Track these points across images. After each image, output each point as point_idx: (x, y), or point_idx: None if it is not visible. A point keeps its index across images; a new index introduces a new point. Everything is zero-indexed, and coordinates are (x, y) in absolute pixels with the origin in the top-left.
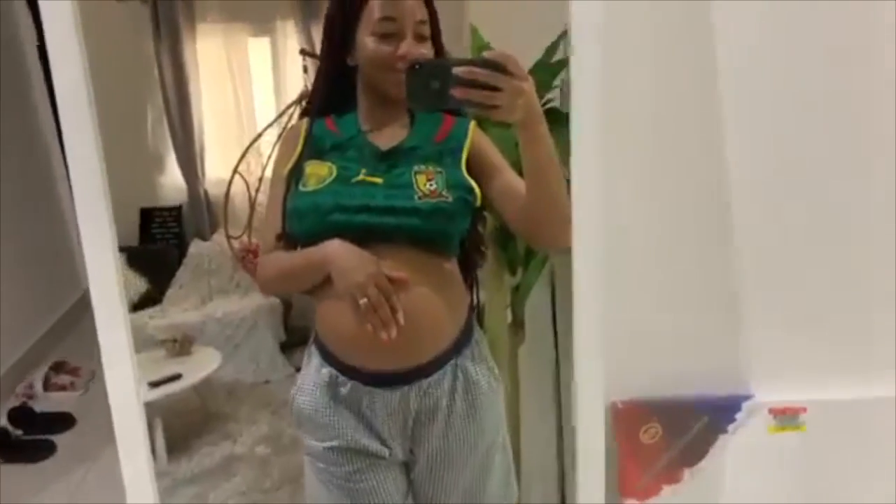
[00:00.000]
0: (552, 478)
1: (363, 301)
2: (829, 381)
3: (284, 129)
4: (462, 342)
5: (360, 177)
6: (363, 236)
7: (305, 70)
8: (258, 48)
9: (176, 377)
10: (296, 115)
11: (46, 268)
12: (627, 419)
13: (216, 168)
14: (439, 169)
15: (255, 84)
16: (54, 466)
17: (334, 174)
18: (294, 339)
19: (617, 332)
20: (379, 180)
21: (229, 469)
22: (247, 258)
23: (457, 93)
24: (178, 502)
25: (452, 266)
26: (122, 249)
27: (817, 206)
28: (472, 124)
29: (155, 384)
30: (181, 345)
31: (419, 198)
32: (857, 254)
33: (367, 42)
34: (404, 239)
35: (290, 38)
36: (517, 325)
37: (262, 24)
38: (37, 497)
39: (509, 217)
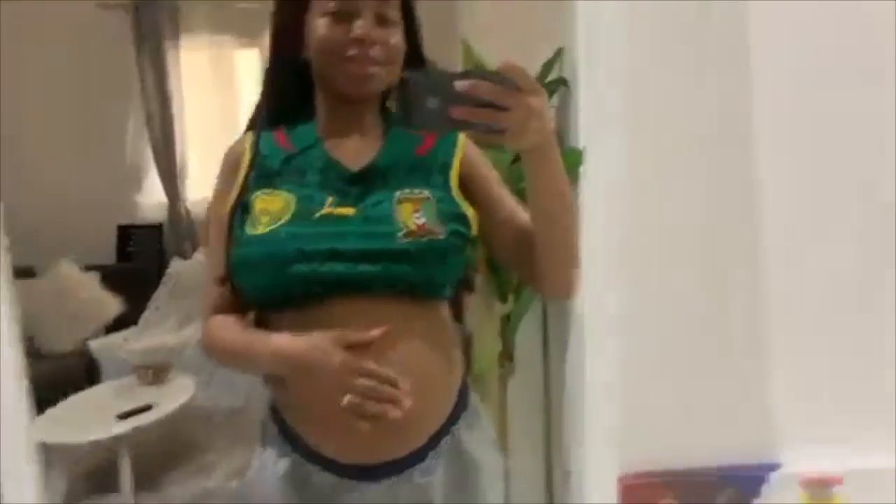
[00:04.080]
0: None
1: (347, 399)
2: (868, 448)
3: None
4: (458, 411)
5: (326, 209)
6: (334, 289)
7: None
8: (246, 60)
9: (147, 408)
10: None
11: None
12: (639, 495)
13: (199, 185)
14: (427, 193)
15: (242, 98)
16: None
17: (293, 208)
18: None
19: (627, 399)
20: (350, 212)
21: None
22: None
23: (456, 112)
24: None
25: (444, 314)
26: (96, 268)
27: (846, 269)
28: (462, 134)
29: (124, 415)
30: (155, 373)
31: (404, 235)
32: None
33: (318, 25)
34: (387, 289)
35: None
36: (507, 355)
37: (250, 35)
38: None
39: (509, 258)
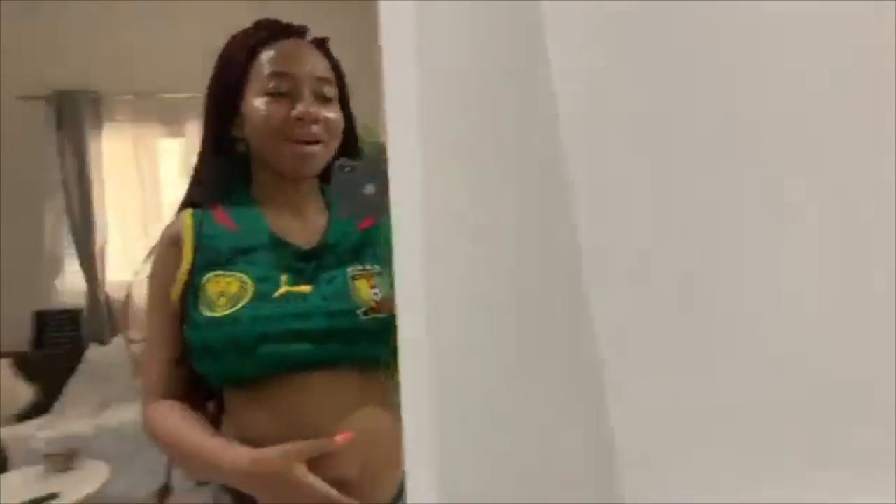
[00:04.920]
0: None
1: None
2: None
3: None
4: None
5: (283, 288)
6: (297, 367)
7: None
8: (168, 148)
9: (52, 497)
10: None
11: None
12: None
13: (119, 270)
14: (377, 268)
15: (165, 182)
16: None
17: (250, 290)
18: None
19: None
20: (307, 289)
21: None
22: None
23: None
24: None
25: (390, 393)
26: (9, 355)
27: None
28: None
29: None
30: (64, 459)
31: (364, 313)
32: None
33: (256, 105)
34: (351, 365)
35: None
36: None
37: (173, 125)
38: None
39: None
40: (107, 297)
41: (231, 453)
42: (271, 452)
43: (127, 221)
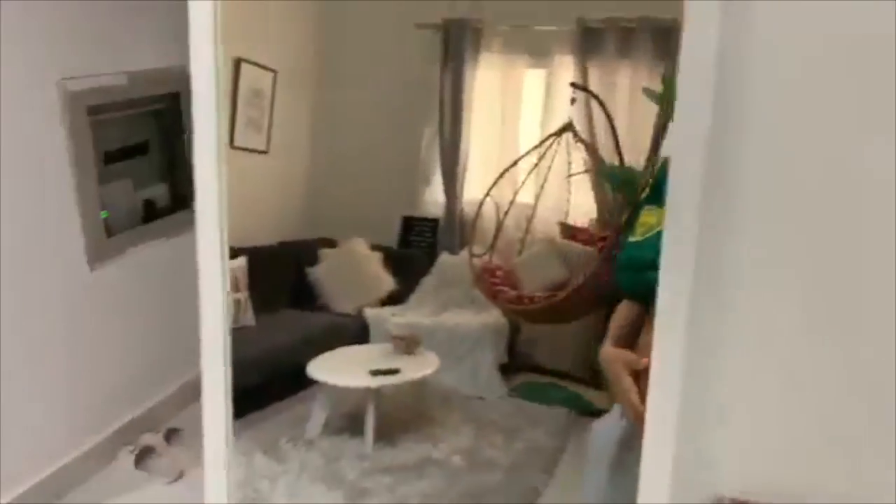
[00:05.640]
0: None
1: None
2: None
3: (541, 158)
4: None
5: None
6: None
7: (573, 102)
8: (533, 79)
9: (395, 371)
10: (555, 146)
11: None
12: None
13: (473, 189)
14: None
15: (524, 113)
16: None
17: (661, 225)
18: (515, 363)
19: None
20: None
21: (423, 470)
22: (483, 277)
23: None
24: (370, 486)
25: None
26: (381, 249)
27: None
28: None
29: (376, 373)
30: (408, 344)
31: None
32: None
33: None
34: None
35: (565, 71)
36: None
37: (540, 56)
38: None
39: None
40: (461, 212)
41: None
42: (616, 353)
43: (486, 145)
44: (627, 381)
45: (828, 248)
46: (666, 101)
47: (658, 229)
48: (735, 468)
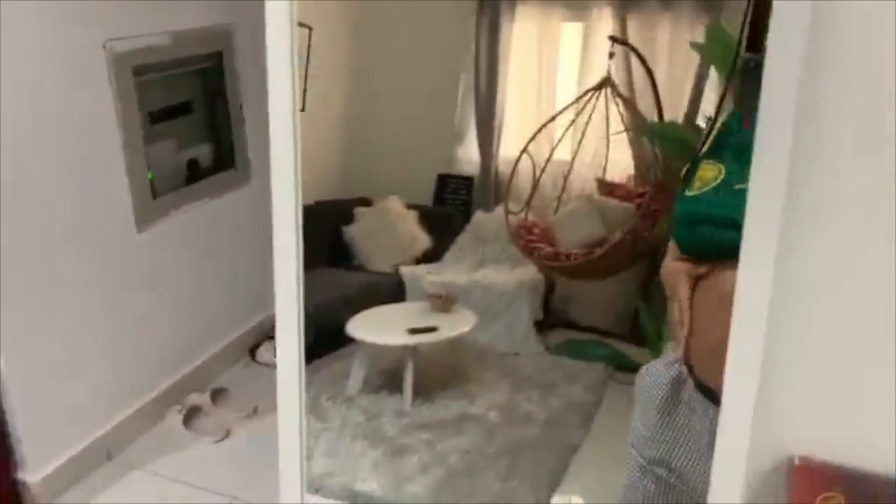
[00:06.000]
0: None
1: None
2: None
3: (579, 114)
4: None
5: (743, 184)
6: (731, 256)
7: (611, 56)
8: (570, 32)
9: (433, 329)
10: (593, 102)
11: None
12: (806, 481)
13: (509, 146)
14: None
15: (561, 68)
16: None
17: (719, 179)
18: (551, 319)
19: (811, 380)
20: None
21: (460, 426)
22: (519, 234)
23: None
24: (410, 442)
25: None
26: (416, 207)
27: None
28: None
29: (413, 331)
30: (444, 302)
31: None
32: None
33: None
34: None
35: (604, 24)
36: None
37: (578, 9)
38: None
39: None
40: (496, 169)
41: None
42: (677, 264)
43: (522, 101)
44: (685, 291)
45: None
46: (709, 53)
47: (714, 184)
48: (804, 426)
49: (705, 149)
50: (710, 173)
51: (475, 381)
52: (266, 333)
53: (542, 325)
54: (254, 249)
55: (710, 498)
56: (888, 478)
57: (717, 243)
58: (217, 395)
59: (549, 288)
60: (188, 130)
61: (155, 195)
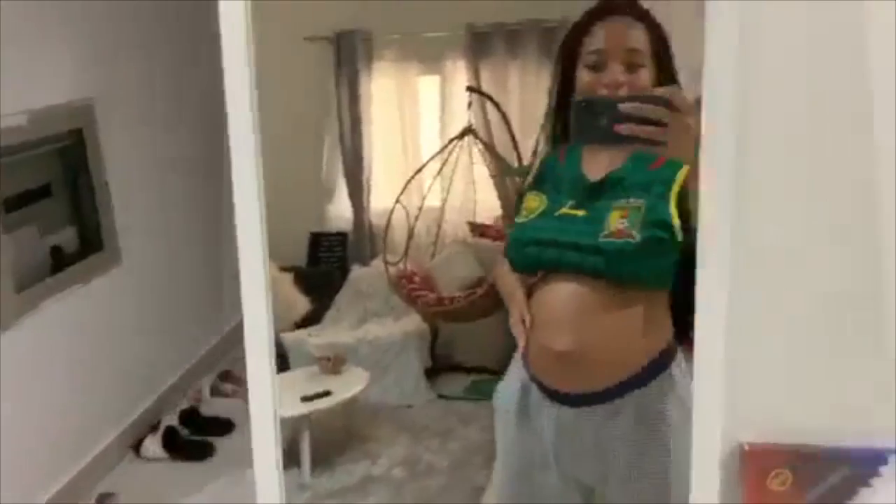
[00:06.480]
0: None
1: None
2: None
3: (445, 162)
4: (651, 374)
5: (564, 209)
6: (555, 269)
7: (470, 106)
8: (428, 85)
9: (326, 393)
10: (457, 150)
11: (220, 286)
12: (756, 463)
13: (380, 198)
14: (640, 203)
15: (423, 119)
16: (211, 468)
17: (542, 207)
18: (438, 366)
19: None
20: (580, 213)
21: (366, 489)
22: (401, 284)
23: (623, 129)
24: None
25: (650, 302)
26: (290, 269)
27: None
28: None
29: (307, 398)
30: (334, 364)
31: (604, 236)
32: None
33: (581, 75)
34: (587, 275)
35: (459, 75)
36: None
37: (432, 62)
38: (190, 496)
39: None
40: (369, 222)
41: (512, 298)
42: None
43: (388, 153)
44: (521, 294)
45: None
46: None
47: (539, 212)
48: (749, 413)
49: (530, 182)
50: (535, 203)
51: (373, 439)
52: (149, 424)
53: (430, 373)
54: (132, 332)
55: (692, 498)
56: (828, 448)
57: (543, 260)
58: (104, 500)
59: (434, 334)
60: (50, 215)
61: (18, 289)
